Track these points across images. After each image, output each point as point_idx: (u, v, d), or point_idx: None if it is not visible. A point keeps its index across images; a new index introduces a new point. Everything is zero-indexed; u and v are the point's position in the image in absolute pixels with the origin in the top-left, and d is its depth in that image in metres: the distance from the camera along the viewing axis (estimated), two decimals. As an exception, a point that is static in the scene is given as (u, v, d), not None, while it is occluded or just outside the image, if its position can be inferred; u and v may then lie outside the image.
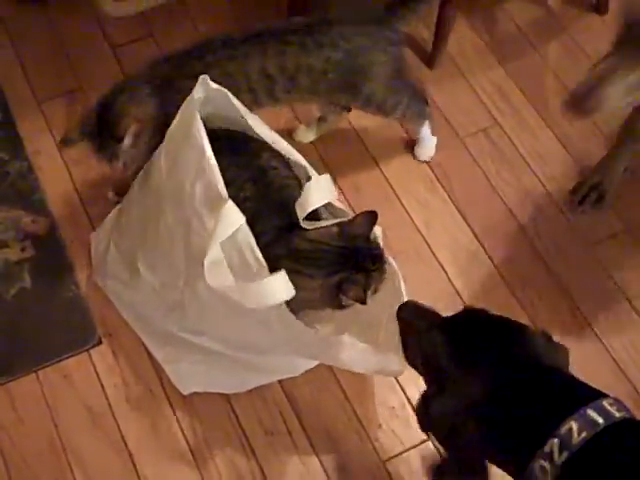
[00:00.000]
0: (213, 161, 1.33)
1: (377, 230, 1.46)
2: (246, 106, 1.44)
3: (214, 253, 1.29)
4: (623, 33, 1.29)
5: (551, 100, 2.12)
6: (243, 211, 1.30)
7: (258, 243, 1.30)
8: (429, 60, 2.14)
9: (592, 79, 1.29)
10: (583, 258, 1.87)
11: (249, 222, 1.30)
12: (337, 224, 1.40)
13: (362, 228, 1.39)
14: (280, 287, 1.28)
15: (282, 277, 1.28)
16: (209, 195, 1.33)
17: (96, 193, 1.87)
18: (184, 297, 1.49)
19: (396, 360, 1.47)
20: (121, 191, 1.71)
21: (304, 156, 1.47)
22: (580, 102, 1.29)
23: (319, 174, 1.45)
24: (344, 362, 1.47)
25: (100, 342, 1.69)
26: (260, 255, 1.30)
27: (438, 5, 2.02)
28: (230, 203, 1.29)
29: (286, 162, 1.50)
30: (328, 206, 1.50)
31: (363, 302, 1.35)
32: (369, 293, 1.37)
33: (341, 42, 1.60)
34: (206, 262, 1.28)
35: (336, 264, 1.37)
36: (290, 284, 1.28)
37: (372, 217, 1.39)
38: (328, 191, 1.43)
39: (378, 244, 1.43)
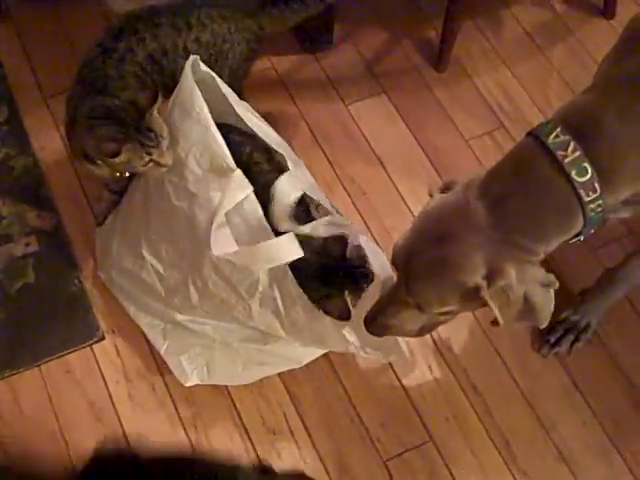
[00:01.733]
0: (218, 134, 1.37)
1: (361, 240, 1.50)
2: None
3: (220, 221, 1.31)
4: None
5: (557, 103, 2.12)
6: None
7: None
8: (436, 63, 2.15)
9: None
10: (586, 261, 1.87)
11: None
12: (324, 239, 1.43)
13: (338, 249, 1.43)
14: (290, 246, 1.30)
15: (291, 237, 1.31)
16: (215, 167, 1.37)
17: (101, 187, 1.86)
18: (188, 278, 1.50)
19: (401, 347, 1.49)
20: (116, 188, 1.71)
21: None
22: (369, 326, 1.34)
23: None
24: (348, 346, 1.48)
25: (103, 338, 1.69)
26: (267, 223, 1.34)
27: (445, 8, 2.02)
28: (238, 171, 1.33)
29: (269, 152, 1.53)
30: (319, 207, 1.52)
31: (347, 318, 1.40)
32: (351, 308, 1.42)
33: (208, 22, 1.59)
34: (213, 229, 1.30)
35: (319, 279, 1.42)
36: (297, 244, 1.31)
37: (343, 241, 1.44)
38: (301, 182, 1.47)
39: (359, 259, 1.46)
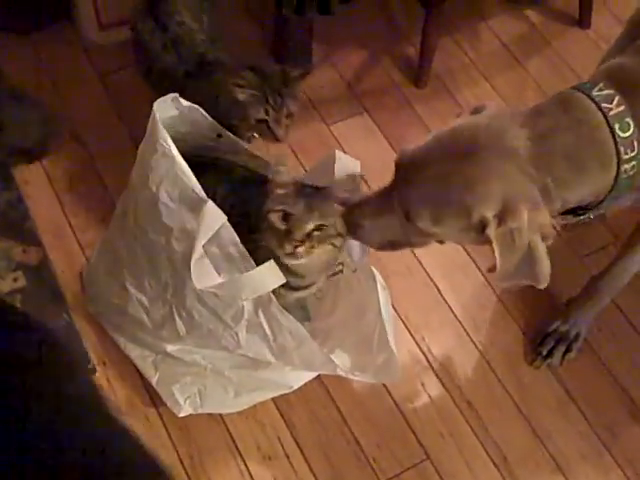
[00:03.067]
0: (185, 166, 1.38)
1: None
2: None
3: (199, 254, 1.31)
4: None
5: (537, 114, 2.14)
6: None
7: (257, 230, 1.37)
8: (416, 79, 2.16)
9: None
10: (573, 269, 1.87)
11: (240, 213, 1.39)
12: None
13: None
14: (271, 274, 1.30)
15: (272, 265, 1.30)
16: (187, 199, 1.37)
17: (87, 221, 1.87)
18: (173, 310, 1.49)
19: (393, 363, 1.49)
20: None
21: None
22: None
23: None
24: (338, 368, 1.49)
25: (94, 371, 1.68)
26: (244, 250, 1.33)
27: (422, 24, 2.04)
28: (210, 203, 1.33)
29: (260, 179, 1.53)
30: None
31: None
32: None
33: None
34: (193, 263, 1.30)
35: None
36: (279, 271, 1.31)
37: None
38: None
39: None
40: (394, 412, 1.70)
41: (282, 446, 1.64)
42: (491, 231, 1.10)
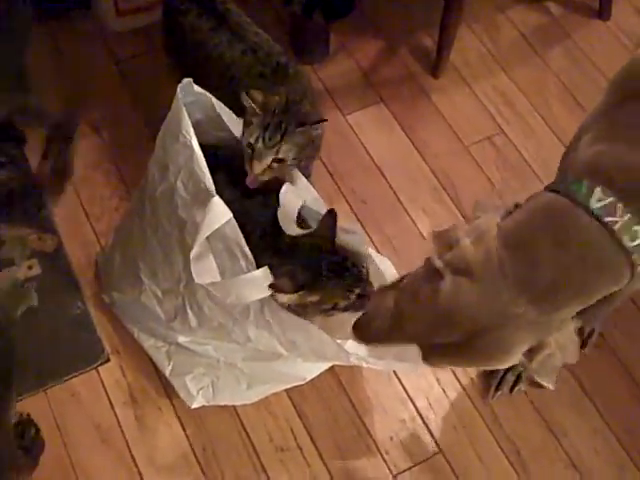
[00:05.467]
0: (201, 158, 1.36)
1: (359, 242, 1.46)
2: None
3: (201, 248, 1.31)
4: None
5: (555, 106, 2.12)
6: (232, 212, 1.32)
7: (248, 242, 1.32)
8: (433, 69, 2.14)
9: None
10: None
11: (240, 222, 1.32)
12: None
13: (326, 231, 1.39)
14: (261, 283, 1.28)
15: (263, 273, 1.28)
16: (198, 193, 1.36)
17: (102, 210, 1.87)
18: (185, 302, 1.49)
19: (409, 351, 1.47)
20: None
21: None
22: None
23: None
24: (352, 359, 1.47)
25: (108, 359, 1.68)
26: (248, 250, 1.32)
27: (440, 15, 2.02)
28: (217, 198, 1.31)
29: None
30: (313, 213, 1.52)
31: (290, 291, 1.31)
32: (325, 303, 1.36)
33: None
34: (192, 257, 1.30)
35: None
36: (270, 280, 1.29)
37: (330, 218, 1.38)
38: (303, 194, 1.48)
39: (355, 260, 1.40)
40: (407, 405, 1.69)
41: (295, 438, 1.64)
42: (528, 369, 1.09)
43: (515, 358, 1.03)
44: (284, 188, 1.44)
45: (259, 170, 1.42)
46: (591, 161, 1.06)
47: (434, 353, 1.06)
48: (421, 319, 1.05)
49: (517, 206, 1.10)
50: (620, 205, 0.99)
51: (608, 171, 1.03)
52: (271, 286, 1.29)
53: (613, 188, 1.00)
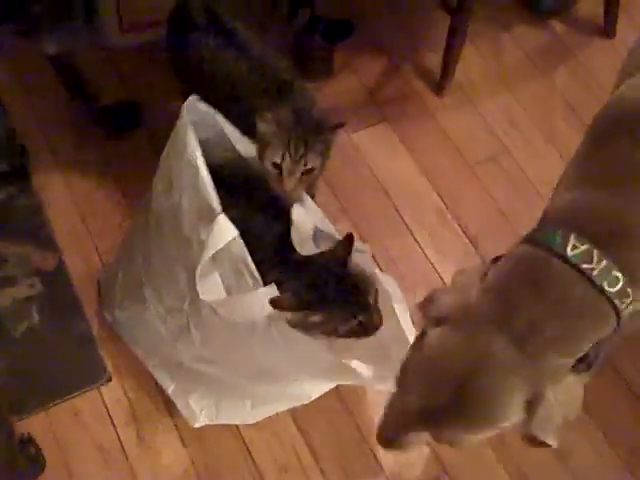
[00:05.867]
0: (207, 176, 1.35)
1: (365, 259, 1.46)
2: None
3: (206, 266, 1.30)
4: None
5: (560, 125, 2.11)
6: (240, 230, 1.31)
7: (254, 260, 1.31)
8: (438, 88, 2.14)
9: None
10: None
11: (247, 240, 1.32)
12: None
13: (341, 253, 1.37)
14: (267, 300, 1.27)
15: (270, 290, 1.28)
16: (203, 210, 1.35)
17: (104, 226, 1.86)
18: (189, 321, 1.48)
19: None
20: None
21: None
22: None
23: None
24: (356, 378, 1.46)
25: (110, 379, 1.67)
26: (254, 267, 1.31)
27: (446, 33, 2.02)
28: (222, 216, 1.31)
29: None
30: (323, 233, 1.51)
31: (292, 309, 1.30)
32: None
33: None
34: (198, 276, 1.29)
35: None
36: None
37: (348, 242, 1.37)
38: (314, 213, 1.47)
39: (352, 273, 1.38)
40: (412, 426, 1.67)
41: (298, 458, 1.62)
42: (527, 429, 1.02)
43: (512, 410, 1.01)
44: (295, 208, 1.43)
45: (292, 185, 1.42)
46: (565, 209, 1.08)
47: (437, 426, 1.04)
48: (415, 380, 1.05)
49: (496, 259, 1.11)
50: (596, 251, 1.00)
51: (581, 218, 1.05)
52: (272, 301, 1.27)
53: (586, 235, 1.01)
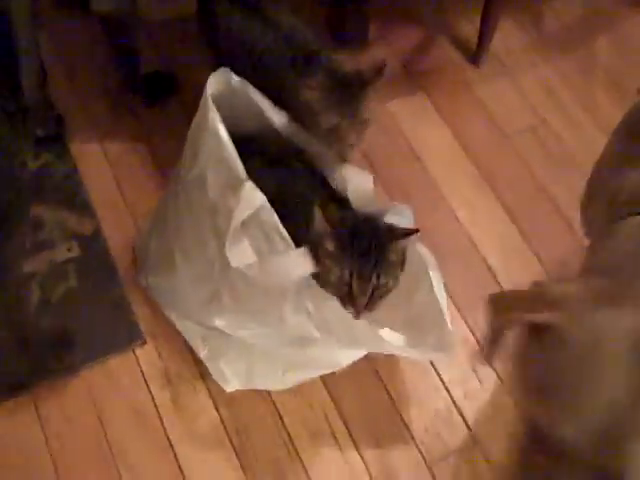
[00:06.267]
0: (230, 145, 1.37)
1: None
2: None
3: (236, 233, 1.31)
4: None
5: (600, 97, 2.08)
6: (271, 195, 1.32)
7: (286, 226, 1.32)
8: (474, 58, 2.12)
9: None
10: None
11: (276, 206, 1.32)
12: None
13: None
14: (300, 261, 1.29)
15: (302, 252, 1.29)
16: (229, 179, 1.36)
17: (139, 193, 1.87)
18: (220, 286, 1.49)
19: (446, 340, 1.45)
20: None
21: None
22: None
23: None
24: (387, 346, 1.47)
25: (145, 342, 1.69)
26: (285, 232, 1.31)
27: (483, 2, 1.99)
28: (249, 183, 1.33)
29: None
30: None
31: (332, 225, 1.29)
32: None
33: None
34: (227, 242, 1.31)
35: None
36: (310, 259, 1.29)
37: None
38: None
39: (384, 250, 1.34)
40: (443, 396, 1.67)
41: (329, 424, 1.63)
42: None
43: None
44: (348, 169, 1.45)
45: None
46: None
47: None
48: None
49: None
50: None
51: None
52: (321, 204, 1.28)
53: None
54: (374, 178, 1.75)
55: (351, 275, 1.29)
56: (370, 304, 1.33)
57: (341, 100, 1.40)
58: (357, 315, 1.33)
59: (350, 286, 1.31)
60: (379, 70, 1.42)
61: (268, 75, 1.54)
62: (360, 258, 1.29)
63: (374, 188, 1.52)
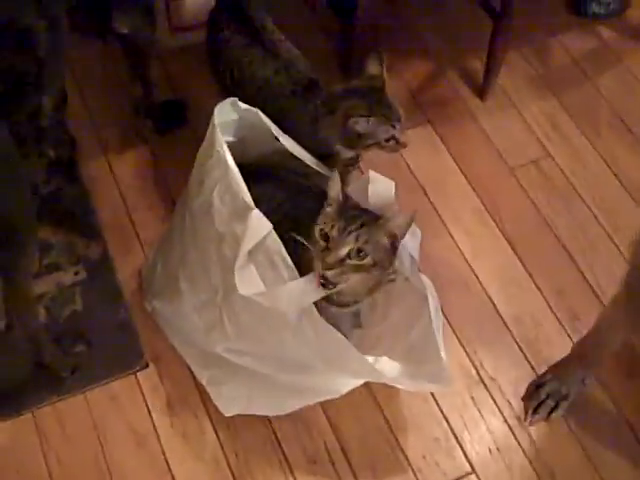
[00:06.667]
0: (236, 172, 1.40)
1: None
2: None
3: (243, 261, 1.33)
4: None
5: (604, 131, 2.10)
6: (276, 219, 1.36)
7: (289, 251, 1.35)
8: (480, 91, 2.15)
9: None
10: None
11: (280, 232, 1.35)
12: None
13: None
14: (308, 289, 1.31)
15: (310, 279, 1.31)
16: (236, 206, 1.39)
17: (148, 218, 1.91)
18: (222, 314, 1.51)
19: (443, 372, 1.47)
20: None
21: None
22: None
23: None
24: (384, 377, 1.49)
25: (147, 365, 1.71)
26: (289, 259, 1.34)
27: (489, 37, 2.02)
28: (256, 211, 1.35)
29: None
30: None
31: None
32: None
33: None
34: (236, 270, 1.33)
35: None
36: (316, 287, 1.31)
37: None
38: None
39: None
40: (442, 424, 1.68)
41: (327, 451, 1.64)
42: None
43: None
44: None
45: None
46: None
47: None
48: None
49: None
50: None
51: None
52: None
53: None
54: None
55: (332, 227, 1.30)
56: (340, 271, 1.29)
57: (383, 114, 1.54)
58: (321, 277, 1.29)
59: (327, 240, 1.30)
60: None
61: (267, 104, 1.58)
62: (348, 219, 1.31)
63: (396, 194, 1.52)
